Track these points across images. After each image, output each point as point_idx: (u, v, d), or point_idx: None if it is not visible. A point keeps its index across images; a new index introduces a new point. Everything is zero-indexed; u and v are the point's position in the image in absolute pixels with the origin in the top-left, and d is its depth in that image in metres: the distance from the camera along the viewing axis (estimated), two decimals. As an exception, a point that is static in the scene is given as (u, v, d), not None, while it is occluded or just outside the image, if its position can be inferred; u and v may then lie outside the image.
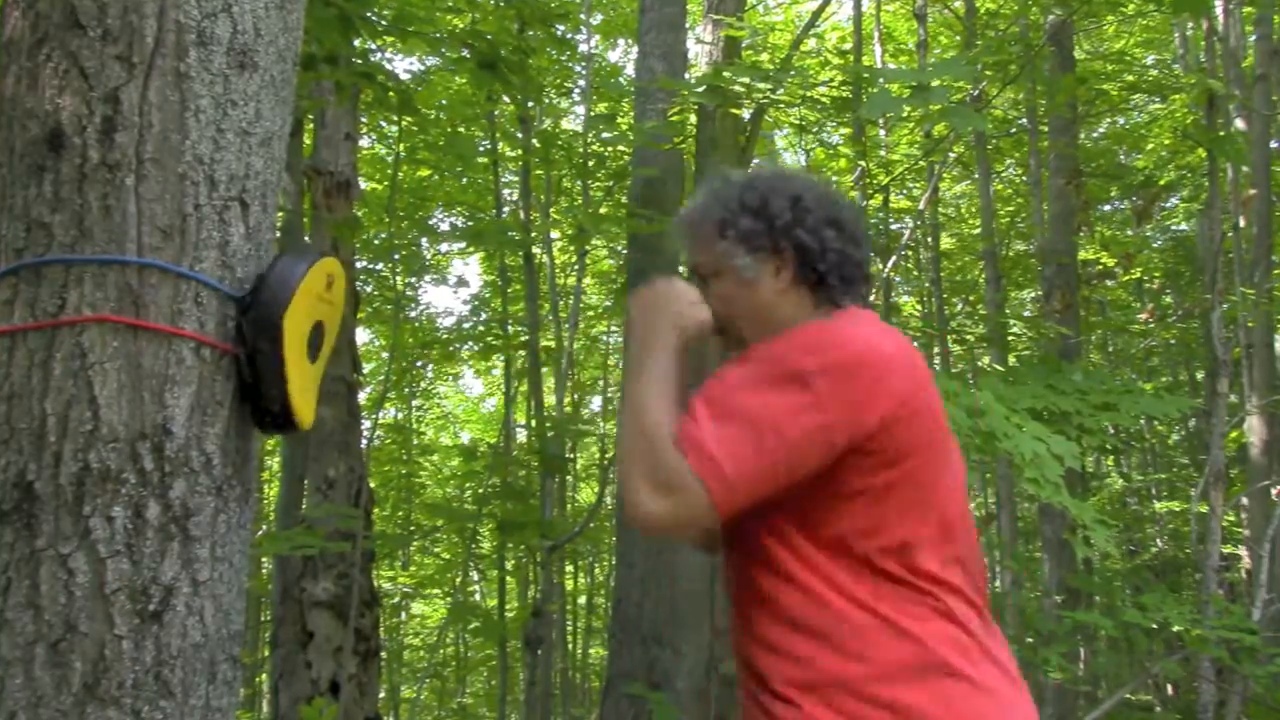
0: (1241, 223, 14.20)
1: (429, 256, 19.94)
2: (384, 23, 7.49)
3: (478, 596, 26.88)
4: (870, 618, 2.55)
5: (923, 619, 2.57)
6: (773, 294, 2.84)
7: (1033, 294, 22.45)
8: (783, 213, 2.83)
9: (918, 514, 2.63)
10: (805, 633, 2.59)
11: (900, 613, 2.56)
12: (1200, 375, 21.59)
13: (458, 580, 21.84)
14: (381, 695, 11.61)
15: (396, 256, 14.53)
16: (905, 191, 19.68)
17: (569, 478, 22.23)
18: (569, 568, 23.71)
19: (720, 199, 2.91)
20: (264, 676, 18.58)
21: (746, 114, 11.08)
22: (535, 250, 15.41)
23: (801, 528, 2.62)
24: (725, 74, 9.93)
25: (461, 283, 33.47)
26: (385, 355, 20.83)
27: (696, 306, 2.81)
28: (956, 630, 2.59)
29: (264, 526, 17.93)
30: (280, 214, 3.03)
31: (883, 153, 15.32)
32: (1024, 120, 18.84)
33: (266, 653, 14.99)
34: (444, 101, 15.24)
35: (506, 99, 11.97)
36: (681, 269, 11.44)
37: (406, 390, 23.84)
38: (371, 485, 11.06)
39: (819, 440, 2.53)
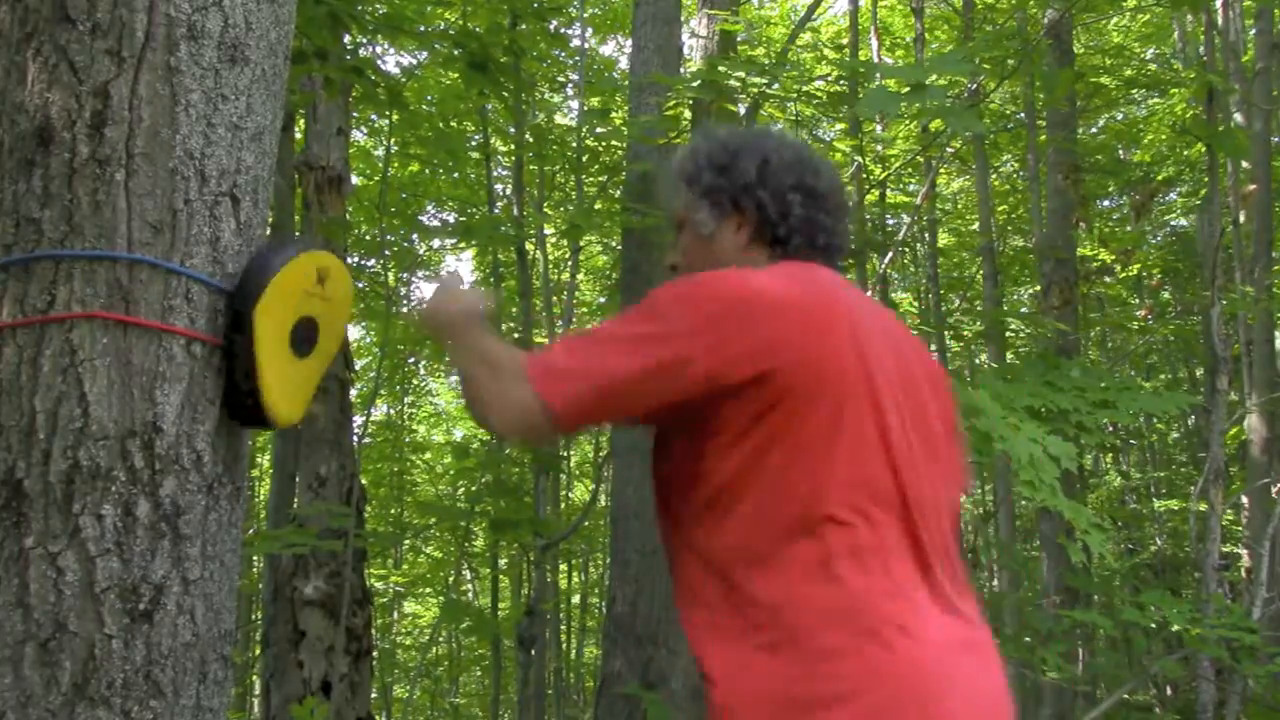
0: (1241, 218, 14.20)
1: (421, 252, 19.92)
2: (374, 21, 7.47)
3: (471, 595, 26.89)
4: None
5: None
6: (731, 251, 2.84)
7: (1031, 290, 22.46)
8: (747, 172, 2.85)
9: (805, 469, 2.52)
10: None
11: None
12: (1200, 372, 21.56)
13: (450, 579, 21.84)
14: (374, 695, 11.58)
15: (388, 252, 14.50)
16: (901, 187, 19.69)
17: (562, 475, 22.20)
18: (563, 566, 23.73)
19: (695, 152, 2.95)
20: (255, 676, 18.60)
21: (742, 109, 11.07)
22: (528, 246, 15.38)
23: (682, 477, 2.61)
24: (720, 68, 9.90)
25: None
26: (377, 351, 20.81)
27: (472, 293, 2.90)
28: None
29: (255, 525, 17.91)
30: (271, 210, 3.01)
31: (879, 148, 15.31)
32: (1022, 115, 18.84)
33: (258, 652, 14.97)
34: (433, 96, 15.21)
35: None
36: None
37: (398, 387, 23.84)
38: (363, 483, 11.04)
39: (670, 371, 2.51)
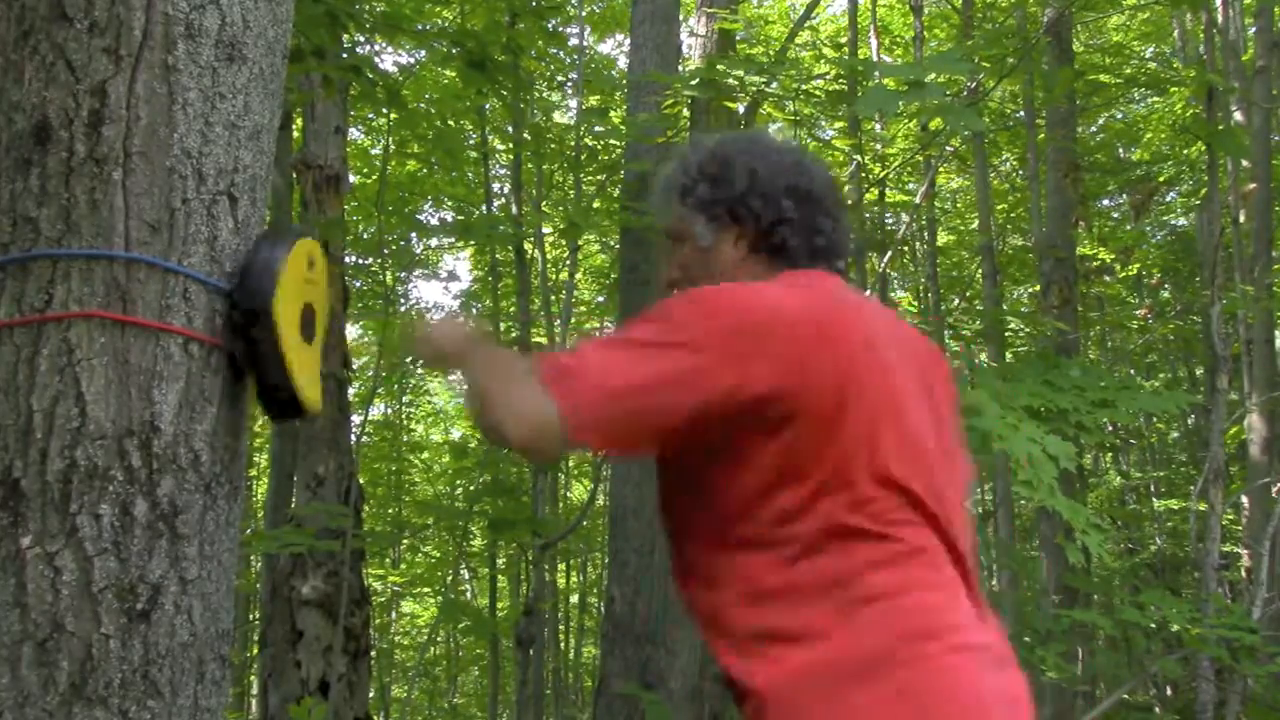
0: (1241, 217, 14.18)
1: (419, 251, 19.94)
2: (372, 19, 7.47)
3: (469, 595, 26.88)
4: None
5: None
6: (731, 263, 2.82)
7: (1030, 289, 22.44)
8: (739, 180, 2.82)
9: (816, 478, 2.52)
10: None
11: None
12: (1199, 371, 21.56)
13: (449, 578, 21.82)
14: (371, 695, 11.59)
15: (386, 251, 14.50)
16: (901, 186, 19.68)
17: (561, 475, 22.19)
18: (561, 566, 23.69)
19: (685, 164, 2.92)
20: (253, 676, 18.59)
21: (740, 108, 11.06)
22: (526, 245, 15.37)
23: (699, 500, 2.60)
24: (719, 67, 9.89)
25: (452, 277, 33.42)
26: (375, 350, 20.81)
27: (472, 325, 2.84)
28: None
29: (253, 524, 17.90)
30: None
31: (878, 147, 15.29)
32: (1021, 114, 18.84)
33: (255, 652, 14.95)
34: (431, 95, 15.20)
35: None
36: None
37: (396, 386, 23.82)
38: (361, 482, 11.04)
39: (690, 386, 2.46)
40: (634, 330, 2.56)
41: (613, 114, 15.33)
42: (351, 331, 19.20)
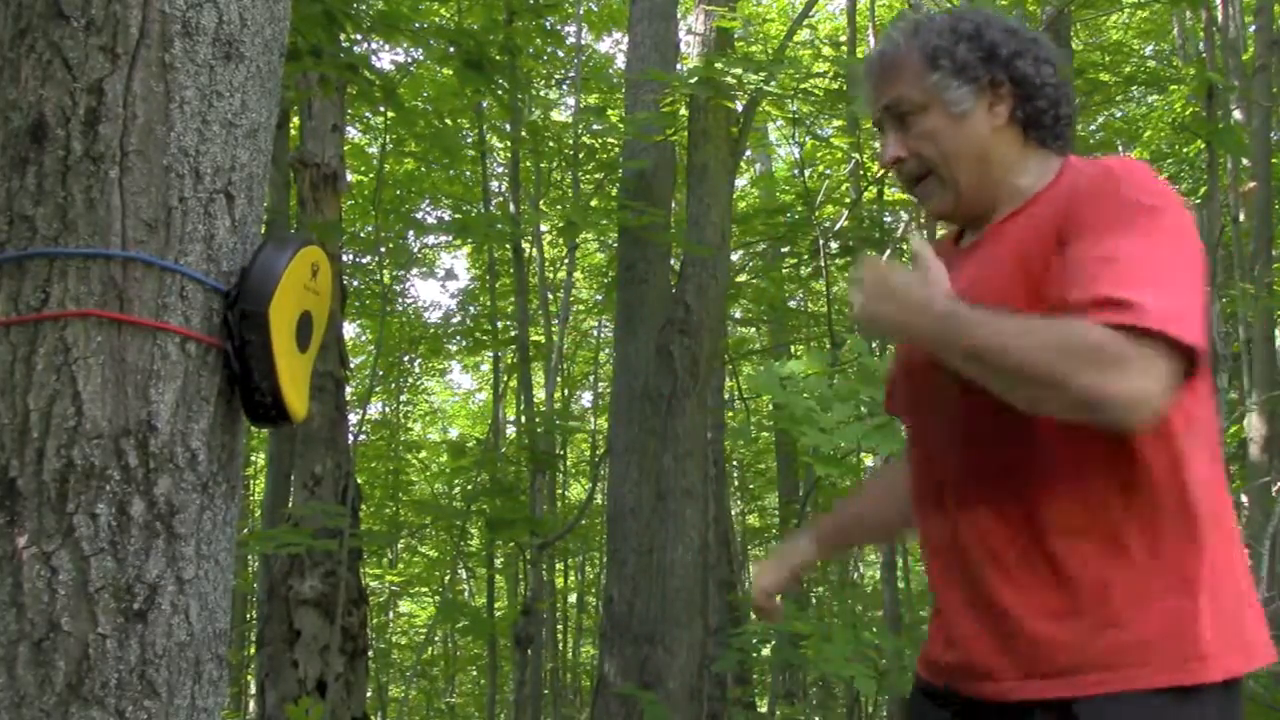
0: (1241, 216, 14.18)
1: (417, 249, 19.91)
2: (369, 18, 7.47)
3: (467, 595, 26.82)
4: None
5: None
6: (987, 130, 2.68)
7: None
8: (1005, 42, 2.67)
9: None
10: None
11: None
12: (1199, 371, 21.55)
13: (446, 578, 21.78)
14: (369, 694, 11.59)
15: (383, 250, 14.49)
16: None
17: (559, 474, 22.16)
18: (559, 565, 23.67)
19: (928, 30, 2.71)
20: (250, 675, 18.58)
21: (739, 106, 11.06)
22: (524, 243, 15.36)
23: None
24: (717, 65, 9.91)
25: (449, 276, 33.39)
26: (373, 349, 20.79)
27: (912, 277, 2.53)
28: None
29: (250, 523, 17.88)
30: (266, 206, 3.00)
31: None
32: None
33: (252, 651, 14.93)
34: (428, 93, 15.19)
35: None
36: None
37: (394, 385, 23.80)
38: (359, 481, 11.02)
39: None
40: (1154, 243, 2.43)
41: (611, 112, 15.33)
42: (349, 330, 19.21)
